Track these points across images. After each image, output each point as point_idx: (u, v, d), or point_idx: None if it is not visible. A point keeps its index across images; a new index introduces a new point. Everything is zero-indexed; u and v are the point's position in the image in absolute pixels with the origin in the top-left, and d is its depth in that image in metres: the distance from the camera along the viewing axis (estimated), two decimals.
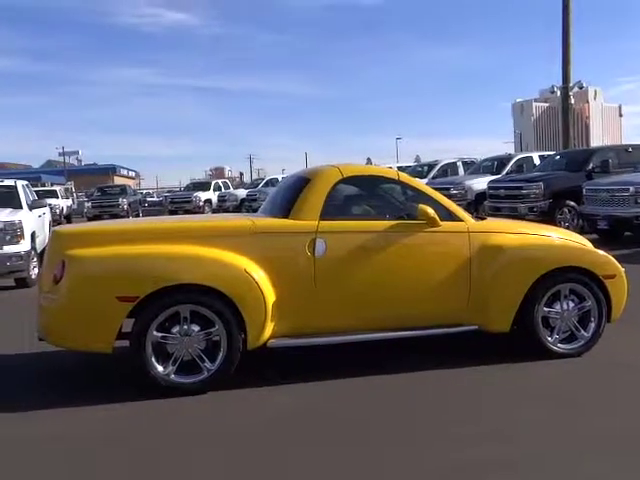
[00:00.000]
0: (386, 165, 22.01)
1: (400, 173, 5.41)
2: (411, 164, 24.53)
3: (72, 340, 4.67)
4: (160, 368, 4.59)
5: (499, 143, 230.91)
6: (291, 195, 5.20)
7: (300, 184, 5.22)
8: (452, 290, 5.17)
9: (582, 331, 5.31)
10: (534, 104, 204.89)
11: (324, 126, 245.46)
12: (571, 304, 5.30)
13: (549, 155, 18.32)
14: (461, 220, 5.30)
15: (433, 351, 5.49)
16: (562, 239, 5.64)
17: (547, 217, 13.91)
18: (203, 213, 31.08)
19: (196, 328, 4.65)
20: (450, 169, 20.37)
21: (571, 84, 20.54)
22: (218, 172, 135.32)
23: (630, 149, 15.68)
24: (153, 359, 4.57)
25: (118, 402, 4.48)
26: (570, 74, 20.63)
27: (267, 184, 30.14)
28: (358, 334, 5.01)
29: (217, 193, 32.19)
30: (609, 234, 12.93)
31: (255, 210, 25.97)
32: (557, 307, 5.27)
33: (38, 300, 4.84)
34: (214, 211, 31.92)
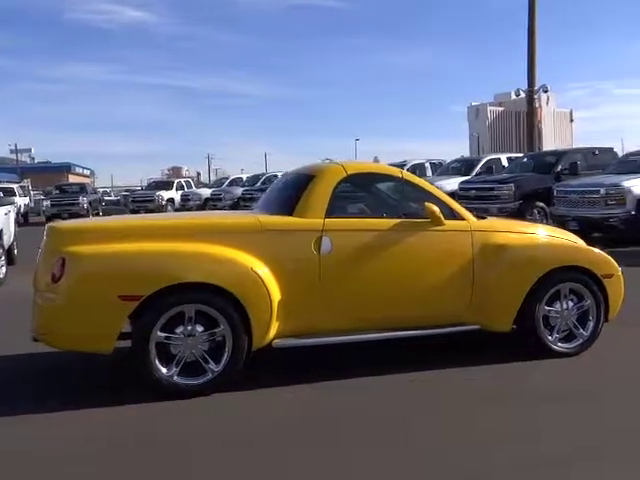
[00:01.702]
0: None
1: (403, 171, 5.37)
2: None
3: (72, 341, 4.47)
4: (164, 370, 4.44)
5: (454, 145, 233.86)
6: (294, 192, 5.10)
7: (303, 181, 5.12)
8: (456, 289, 5.14)
9: (581, 330, 5.35)
10: (489, 108, 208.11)
11: (282, 126, 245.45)
12: (570, 303, 5.33)
13: (517, 157, 18.61)
14: (464, 219, 5.28)
15: (434, 349, 5.45)
16: (561, 239, 5.68)
17: (517, 218, 14.08)
18: (165, 212, 30.71)
19: (200, 328, 4.52)
20: (418, 170, 20.49)
21: (536, 88, 20.87)
22: (175, 171, 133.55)
23: (597, 152, 16.01)
24: (157, 361, 4.42)
25: (117, 404, 4.32)
26: (535, 78, 20.97)
27: (232, 183, 29.91)
28: (362, 334, 4.95)
29: (180, 192, 31.75)
30: (578, 235, 13.12)
31: (220, 210, 25.99)
32: (557, 306, 5.29)
33: (33, 299, 4.63)
34: (176, 210, 31.49)
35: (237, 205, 26.16)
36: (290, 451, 3.58)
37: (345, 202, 5.11)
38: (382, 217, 5.09)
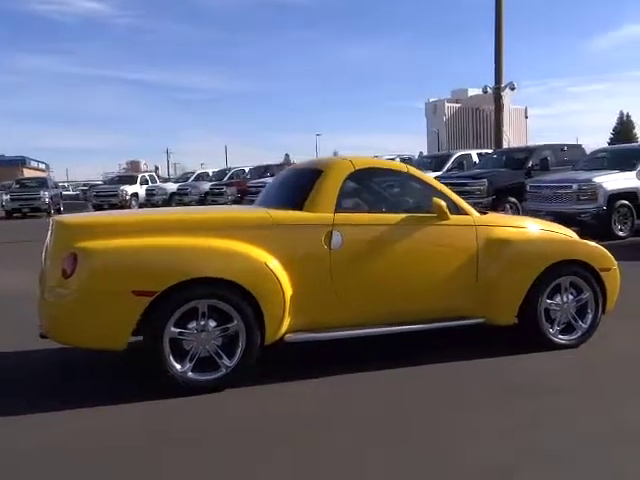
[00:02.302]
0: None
1: (408, 166, 5.41)
2: None
3: (84, 337, 4.39)
4: (178, 366, 4.39)
5: (413, 141, 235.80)
6: (303, 187, 5.08)
7: (311, 176, 5.11)
8: (461, 283, 5.21)
9: (580, 322, 5.46)
10: (446, 104, 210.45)
11: (241, 120, 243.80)
12: (570, 296, 5.44)
13: (487, 153, 18.88)
14: (468, 214, 5.35)
15: (436, 344, 5.50)
16: (560, 233, 5.79)
17: None
18: (130, 207, 30.27)
19: (213, 324, 4.49)
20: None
21: (503, 84, 21.19)
22: (134, 166, 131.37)
23: (565, 148, 16.35)
24: (171, 357, 4.37)
25: (130, 401, 4.27)
26: (502, 75, 21.29)
27: (198, 178, 29.63)
28: (372, 328, 4.97)
29: (144, 187, 31.32)
30: None
31: (187, 205, 25.74)
32: (557, 299, 5.40)
33: (41, 295, 4.53)
34: (141, 206, 31.09)
35: (204, 200, 25.95)
36: (308, 447, 3.58)
37: (353, 197, 5.12)
38: (389, 212, 5.13)
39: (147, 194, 29.81)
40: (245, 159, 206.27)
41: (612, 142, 73.59)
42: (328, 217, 4.85)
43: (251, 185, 22.67)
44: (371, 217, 5.04)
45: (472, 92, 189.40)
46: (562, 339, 5.39)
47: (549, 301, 5.36)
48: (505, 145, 21.97)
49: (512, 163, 16.07)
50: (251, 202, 22.56)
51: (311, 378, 4.71)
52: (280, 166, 26.77)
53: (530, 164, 15.46)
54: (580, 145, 17.03)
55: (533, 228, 5.67)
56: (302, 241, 4.80)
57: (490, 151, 19.75)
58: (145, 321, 4.32)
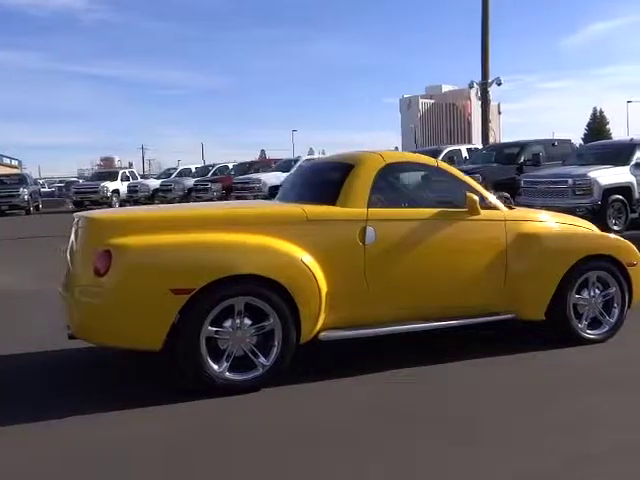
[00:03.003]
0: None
1: (438, 160, 5.35)
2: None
3: (119, 337, 4.26)
4: (215, 366, 4.28)
5: (388, 137, 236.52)
6: (333, 182, 4.99)
7: (342, 170, 5.02)
8: (492, 279, 5.16)
9: (607, 317, 5.45)
10: (420, 100, 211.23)
11: (217, 117, 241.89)
12: (597, 291, 5.43)
13: (476, 149, 18.94)
14: (497, 208, 5.31)
15: (460, 340, 5.45)
16: (585, 228, 5.78)
17: None
18: (110, 204, 29.91)
19: (248, 322, 4.38)
20: None
21: (490, 80, 21.27)
22: (107, 162, 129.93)
23: (556, 143, 16.46)
24: (208, 357, 4.26)
25: (155, 404, 4.15)
26: (488, 70, 21.35)
27: (180, 174, 29.33)
28: (405, 324, 4.90)
29: (126, 183, 30.90)
30: None
31: (171, 201, 25.44)
32: (585, 294, 5.38)
33: (70, 296, 4.38)
34: (123, 202, 30.72)
35: (188, 196, 25.70)
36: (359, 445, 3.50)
37: (384, 191, 5.02)
38: (420, 206, 5.06)
39: (129, 191, 29.40)
40: (221, 156, 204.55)
41: (586, 138, 74.35)
42: (362, 212, 4.77)
43: (237, 181, 22.48)
44: (403, 212, 4.96)
45: (446, 88, 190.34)
46: (590, 334, 5.37)
47: (577, 296, 5.34)
48: (491, 140, 22.06)
49: (503, 158, 16.13)
50: (238, 198, 22.36)
51: (340, 377, 4.61)
52: (262, 163, 26.67)
53: (522, 159, 15.53)
54: (569, 140, 17.16)
55: (560, 222, 5.64)
56: (336, 237, 4.71)
57: (479, 146, 19.84)
58: (181, 320, 4.20)
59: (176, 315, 4.17)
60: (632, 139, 14.22)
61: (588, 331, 5.38)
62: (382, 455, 3.36)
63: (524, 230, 5.31)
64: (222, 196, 23.45)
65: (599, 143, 16.38)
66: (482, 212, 5.13)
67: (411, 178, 5.31)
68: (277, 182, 21.77)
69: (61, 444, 3.61)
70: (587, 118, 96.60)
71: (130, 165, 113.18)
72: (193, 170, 29.27)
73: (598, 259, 5.38)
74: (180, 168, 30.36)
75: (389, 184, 5.06)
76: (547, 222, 5.53)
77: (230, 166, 27.65)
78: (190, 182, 25.91)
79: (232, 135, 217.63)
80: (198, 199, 24.30)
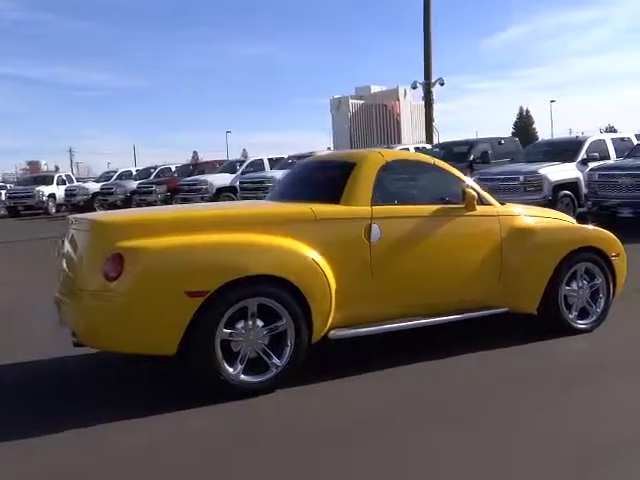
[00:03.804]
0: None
1: (434, 158, 5.42)
2: (274, 156, 24.04)
3: (132, 343, 4.13)
4: (230, 369, 4.20)
5: (320, 138, 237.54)
6: (336, 180, 4.99)
7: (344, 169, 5.02)
8: (489, 273, 5.26)
9: (594, 307, 5.64)
10: (350, 101, 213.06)
11: (146, 118, 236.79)
12: (584, 282, 5.60)
13: (424, 147, 19.23)
14: (491, 204, 5.42)
15: (456, 333, 5.53)
16: (568, 221, 5.97)
17: None
18: (47, 209, 28.96)
19: (260, 323, 4.32)
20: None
21: (433, 80, 21.67)
22: (33, 166, 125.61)
23: (502, 141, 16.90)
24: (223, 359, 4.18)
25: (172, 409, 4.06)
26: (431, 70, 21.74)
27: (121, 177, 28.62)
28: (408, 321, 4.92)
29: (62, 187, 29.89)
30: None
31: (112, 204, 24.80)
32: (574, 285, 5.55)
33: (76, 302, 4.22)
34: (59, 206, 29.75)
35: (130, 199, 25.12)
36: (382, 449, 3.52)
37: (385, 189, 5.03)
38: (420, 204, 5.11)
39: (67, 194, 28.40)
40: (152, 157, 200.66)
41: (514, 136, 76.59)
42: (367, 210, 4.79)
43: (183, 183, 22.12)
44: (405, 209, 5.00)
45: (375, 89, 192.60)
46: (580, 324, 5.54)
47: (567, 288, 5.50)
48: (435, 139, 22.47)
49: (453, 157, 16.38)
50: (184, 200, 21.88)
51: (349, 376, 4.62)
52: (208, 163, 26.34)
53: (472, 157, 15.87)
54: (515, 139, 17.64)
55: (548, 216, 5.81)
56: (344, 235, 4.71)
57: (428, 146, 20.15)
58: (196, 323, 4.11)
59: (191, 318, 4.08)
60: (577, 137, 14.75)
61: (578, 321, 5.55)
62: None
63: (517, 225, 5.44)
64: (167, 198, 23.02)
65: (546, 141, 16.93)
66: (477, 208, 5.23)
67: (409, 175, 5.33)
68: (224, 183, 21.58)
69: (91, 451, 3.49)
70: (513, 118, 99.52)
71: (57, 169, 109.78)
72: (134, 172, 28.62)
73: (586, 251, 5.55)
74: (120, 170, 29.56)
75: (389, 182, 5.08)
76: (537, 217, 5.68)
77: (173, 168, 27.18)
78: (133, 185, 25.30)
79: (162, 137, 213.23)
80: (142, 202, 23.78)
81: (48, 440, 3.66)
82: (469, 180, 5.42)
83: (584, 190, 13.50)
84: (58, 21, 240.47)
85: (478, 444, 3.42)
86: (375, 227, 4.76)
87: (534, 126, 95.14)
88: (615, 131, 35.60)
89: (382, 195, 4.96)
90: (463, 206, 5.16)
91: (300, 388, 4.37)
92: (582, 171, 13.74)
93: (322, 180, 5.27)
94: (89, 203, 27.22)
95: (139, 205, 24.20)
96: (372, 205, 4.83)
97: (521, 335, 5.45)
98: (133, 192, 25.03)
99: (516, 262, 5.33)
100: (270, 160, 22.58)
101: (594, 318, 5.62)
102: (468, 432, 3.58)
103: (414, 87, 22.29)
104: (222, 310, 4.14)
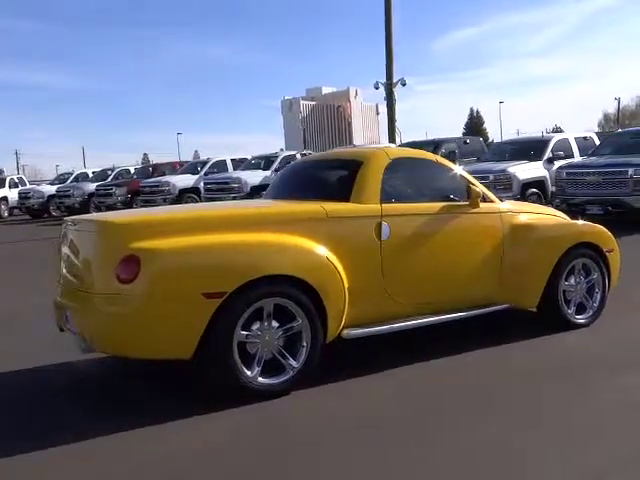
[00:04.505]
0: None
1: (437, 156, 5.43)
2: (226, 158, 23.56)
3: (147, 348, 3.99)
4: (247, 371, 4.11)
5: (273, 139, 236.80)
6: (344, 179, 4.95)
7: (351, 167, 4.98)
8: (493, 270, 5.29)
9: (591, 302, 5.72)
10: (301, 102, 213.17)
11: (94, 120, 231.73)
12: (582, 277, 5.69)
13: (389, 147, 19.31)
14: (493, 201, 5.45)
15: (458, 331, 5.54)
16: (562, 217, 6.06)
17: None
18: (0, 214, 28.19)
19: (275, 324, 4.25)
20: (292, 160, 20.53)
21: (394, 80, 21.81)
22: None
23: (468, 141, 17.11)
24: (241, 362, 4.09)
25: (191, 415, 3.95)
26: (393, 71, 21.88)
27: (77, 179, 27.96)
28: (420, 319, 4.90)
29: (15, 190, 29.03)
30: None
31: (69, 207, 24.16)
32: (572, 281, 5.62)
33: (87, 306, 4.06)
34: (11, 210, 28.95)
35: (89, 202, 24.59)
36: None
37: (392, 187, 5.01)
38: (426, 201, 5.11)
39: (20, 197, 27.58)
40: (100, 160, 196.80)
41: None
42: (376, 208, 4.76)
43: (145, 185, 21.73)
44: (413, 207, 4.98)
45: (326, 90, 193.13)
46: (578, 319, 5.62)
47: (566, 283, 5.57)
48: (397, 139, 22.61)
49: None
50: (146, 202, 21.46)
51: (360, 376, 4.58)
52: (168, 164, 25.94)
53: None
54: (479, 138, 17.90)
55: (548, 214, 5.89)
56: (355, 234, 4.67)
57: (393, 145, 20.23)
58: (213, 325, 4.01)
59: (208, 321, 3.98)
60: (543, 136, 15.02)
61: (576, 316, 5.62)
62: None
63: (517, 221, 5.49)
64: (127, 200, 22.59)
65: (512, 140, 17.18)
66: (481, 205, 5.26)
67: (413, 173, 5.31)
68: (187, 185, 21.30)
69: (124, 461, 3.35)
70: (463, 118, 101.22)
71: (0, 172, 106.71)
72: (90, 175, 27.98)
73: (583, 247, 5.63)
74: (76, 172, 28.81)
75: (395, 179, 5.05)
76: (536, 213, 5.76)
77: (132, 170, 26.68)
78: (91, 187, 24.70)
79: (111, 139, 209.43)
80: (101, 205, 23.30)
81: (72, 451, 3.52)
82: (472, 178, 5.43)
83: (551, 188, 13.78)
84: (7, 23, 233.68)
85: (505, 438, 3.41)
86: (385, 225, 4.73)
87: (484, 126, 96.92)
88: (561, 131, 36.48)
89: (389, 193, 4.93)
90: (468, 203, 5.18)
91: (312, 389, 4.31)
92: (548, 169, 14.03)
93: (328, 178, 5.23)
94: (44, 206, 26.58)
95: (98, 208, 23.73)
96: (381, 203, 4.80)
97: (522, 331, 5.49)
98: (91, 194, 24.47)
99: (518, 258, 5.38)
100: (233, 161, 22.39)
101: (591, 313, 5.70)
102: (498, 425, 3.58)
103: (376, 87, 22.40)
104: (239, 311, 4.05)
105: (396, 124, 21.87)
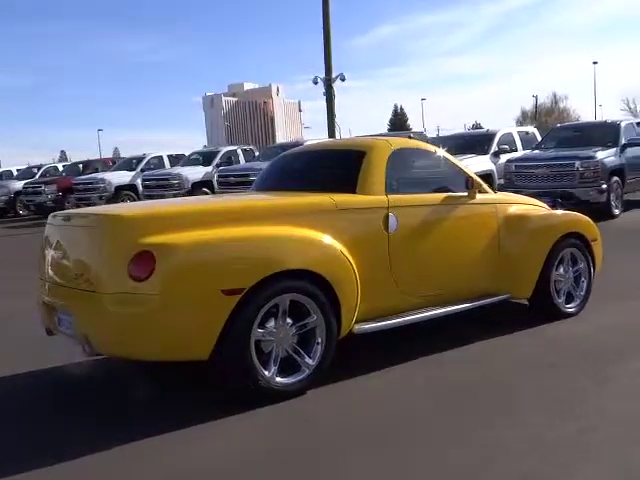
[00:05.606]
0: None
1: (436, 147, 5.37)
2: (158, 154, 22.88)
3: (162, 349, 3.73)
4: (265, 371, 3.92)
5: (196, 135, 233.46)
6: (348, 169, 4.81)
7: (354, 158, 4.84)
8: (490, 260, 5.28)
9: (578, 290, 5.80)
10: (223, 98, 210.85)
11: (5, 116, 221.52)
12: (569, 267, 5.75)
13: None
14: (488, 192, 5.44)
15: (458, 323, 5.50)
16: (547, 208, 6.13)
17: None
18: None
19: (290, 321, 4.07)
20: (233, 156, 20.18)
21: (333, 76, 21.75)
22: None
23: (412, 135, 17.16)
24: (258, 362, 3.89)
25: (213, 418, 3.75)
26: (332, 66, 21.81)
27: (0, 177, 26.62)
28: (428, 311, 4.82)
29: None
30: None
31: (41, 205, 22.60)
32: (561, 270, 5.68)
33: (93, 306, 3.77)
34: None
35: (15, 200, 23.45)
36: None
37: (395, 178, 4.89)
38: (429, 192, 5.05)
39: None
40: (16, 158, 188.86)
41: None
42: (383, 200, 4.65)
43: (78, 182, 20.85)
44: (418, 198, 4.90)
45: (248, 86, 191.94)
46: (568, 308, 5.67)
47: (556, 273, 5.61)
48: (337, 135, 22.57)
49: None
50: (80, 200, 20.59)
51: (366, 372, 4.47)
52: (99, 162, 25.06)
53: None
54: (423, 132, 18.05)
55: (538, 205, 5.93)
56: (364, 225, 4.55)
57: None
58: (230, 323, 3.79)
59: (226, 319, 3.76)
60: (488, 130, 15.28)
61: (566, 305, 5.68)
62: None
63: (511, 211, 5.51)
64: (58, 198, 21.61)
65: (457, 134, 17.40)
66: (477, 196, 5.24)
67: (414, 164, 5.24)
68: (124, 181, 20.60)
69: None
70: (386, 115, 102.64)
71: None
72: (15, 172, 26.66)
73: (570, 237, 5.70)
74: (44, 167, 26.98)
75: (398, 170, 4.94)
76: (527, 204, 5.80)
77: (60, 167, 25.57)
78: (17, 185, 23.52)
79: (25, 136, 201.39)
80: (30, 203, 22.26)
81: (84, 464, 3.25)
82: (467, 169, 5.40)
83: (498, 181, 14.01)
84: None
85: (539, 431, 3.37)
86: (392, 216, 4.63)
87: (408, 122, 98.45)
88: (481, 127, 37.39)
89: (393, 184, 4.83)
90: (467, 194, 5.15)
91: (332, 385, 4.17)
92: (495, 163, 14.28)
93: (330, 169, 5.07)
94: (10, 204, 24.95)
95: (27, 207, 22.66)
96: (388, 194, 4.69)
97: (512, 322, 5.51)
98: (18, 193, 23.32)
99: (512, 248, 5.38)
100: (170, 157, 21.83)
101: (578, 302, 5.77)
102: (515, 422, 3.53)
103: (315, 82, 22.28)
104: (257, 308, 3.85)
105: (335, 119, 21.86)
